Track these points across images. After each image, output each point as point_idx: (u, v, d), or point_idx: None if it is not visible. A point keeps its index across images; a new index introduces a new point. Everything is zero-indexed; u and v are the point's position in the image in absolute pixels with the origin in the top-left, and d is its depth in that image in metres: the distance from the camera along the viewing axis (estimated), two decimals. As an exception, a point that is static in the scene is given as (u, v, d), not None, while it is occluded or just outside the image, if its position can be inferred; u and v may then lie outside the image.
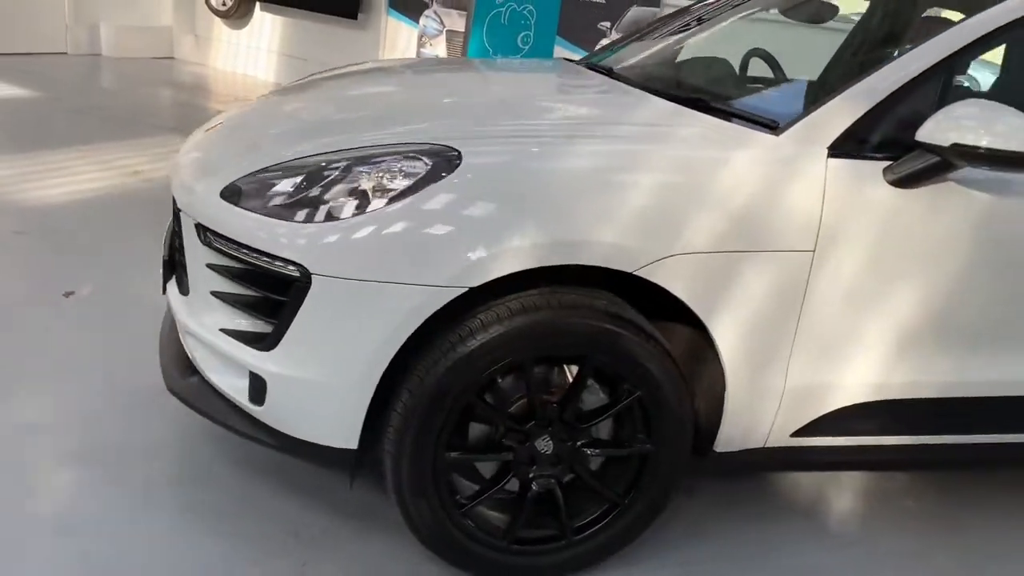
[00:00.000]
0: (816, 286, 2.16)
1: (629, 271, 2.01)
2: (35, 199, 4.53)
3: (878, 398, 2.33)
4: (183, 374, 2.31)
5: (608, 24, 7.30)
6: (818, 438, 2.36)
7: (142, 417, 2.67)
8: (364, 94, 2.85)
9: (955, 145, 2.06)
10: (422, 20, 7.94)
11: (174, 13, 9.58)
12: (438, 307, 1.92)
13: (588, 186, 2.00)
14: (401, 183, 1.97)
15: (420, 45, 7.88)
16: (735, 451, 2.32)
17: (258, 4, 9.07)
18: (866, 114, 2.19)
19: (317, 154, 2.12)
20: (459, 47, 6.78)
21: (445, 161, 1.99)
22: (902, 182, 2.16)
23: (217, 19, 9.32)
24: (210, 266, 2.11)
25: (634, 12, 7.14)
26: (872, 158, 2.19)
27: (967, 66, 2.41)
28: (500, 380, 2.11)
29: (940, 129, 2.08)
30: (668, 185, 2.06)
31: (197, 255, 2.16)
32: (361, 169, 2.02)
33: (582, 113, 2.60)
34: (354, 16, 8.32)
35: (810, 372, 2.25)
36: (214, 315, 2.13)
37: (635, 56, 3.20)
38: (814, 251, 2.13)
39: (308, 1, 8.53)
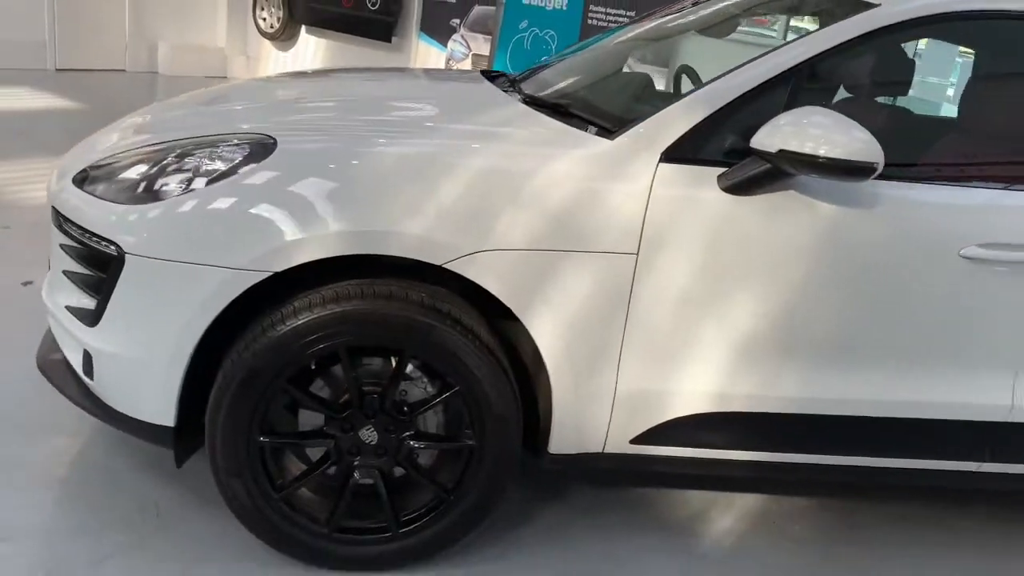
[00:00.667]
0: (642, 290, 2.16)
1: (438, 264, 2.05)
2: (34, 198, 4.80)
3: (721, 409, 2.30)
4: (50, 351, 2.44)
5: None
6: (660, 447, 2.34)
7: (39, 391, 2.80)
8: (258, 95, 2.94)
9: (782, 151, 2.05)
10: (450, 44, 8.14)
11: (227, 35, 10.01)
12: (242, 290, 1.99)
13: (400, 178, 2.05)
14: (217, 167, 2.06)
15: (447, 67, 8.06)
16: (572, 454, 2.31)
17: (304, 28, 9.42)
18: (703, 121, 2.18)
19: (162, 143, 2.23)
20: (484, 70, 6.99)
21: (261, 148, 2.07)
22: (736, 188, 2.15)
23: (266, 41, 9.70)
24: (61, 246, 2.24)
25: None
26: (709, 164, 2.17)
27: (819, 77, 2.36)
28: (330, 369, 2.16)
29: (770, 135, 2.07)
30: (484, 182, 2.09)
31: (53, 237, 2.29)
32: (189, 157, 2.12)
33: (427, 112, 2.64)
34: (388, 40, 8.56)
35: (644, 378, 2.23)
36: (63, 293, 2.25)
37: (563, 72, 3.19)
38: (637, 254, 2.13)
39: (348, 26, 8.82)
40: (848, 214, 2.21)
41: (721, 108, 2.19)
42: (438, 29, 8.27)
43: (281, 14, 9.45)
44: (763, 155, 2.08)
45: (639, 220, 2.11)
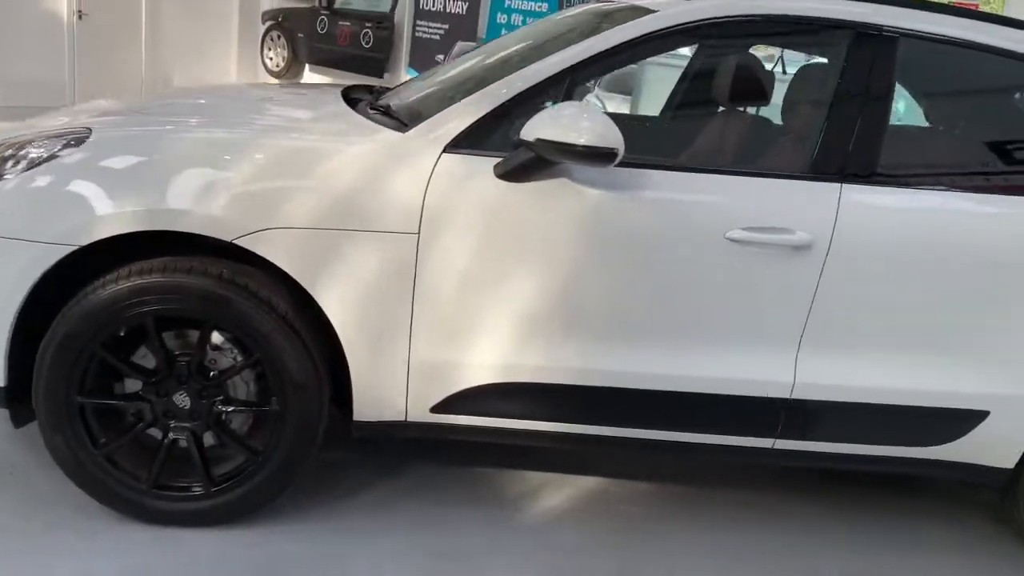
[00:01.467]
0: (426, 267, 2.37)
1: (228, 240, 2.29)
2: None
3: (510, 380, 2.49)
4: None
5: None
6: (460, 416, 2.53)
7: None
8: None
9: (538, 139, 2.26)
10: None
11: (237, 72, 10.53)
12: (52, 262, 2.26)
13: (194, 161, 2.32)
14: (40, 154, 2.34)
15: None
16: (376, 421, 2.51)
17: (307, 66, 9.91)
18: (484, 116, 2.40)
19: (21, 137, 2.51)
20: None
21: (77, 138, 2.35)
22: (508, 175, 2.36)
23: (273, 79, 10.20)
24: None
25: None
26: (488, 155, 2.39)
27: (593, 77, 2.58)
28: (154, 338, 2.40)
29: (531, 126, 2.28)
30: (275, 165, 2.34)
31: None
32: (25, 147, 2.41)
33: (258, 110, 2.91)
34: (381, 75, 8.99)
35: (436, 349, 2.43)
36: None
37: (422, 85, 3.38)
38: (418, 234, 2.35)
39: (345, 63, 9.33)
40: (617, 199, 2.40)
41: (501, 104, 2.41)
42: (425, 64, 8.64)
43: (286, 54, 9.98)
44: (527, 144, 2.29)
45: (419, 203, 2.33)
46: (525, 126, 2.30)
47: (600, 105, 8.10)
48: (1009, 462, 2.66)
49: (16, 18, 8.97)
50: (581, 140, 2.22)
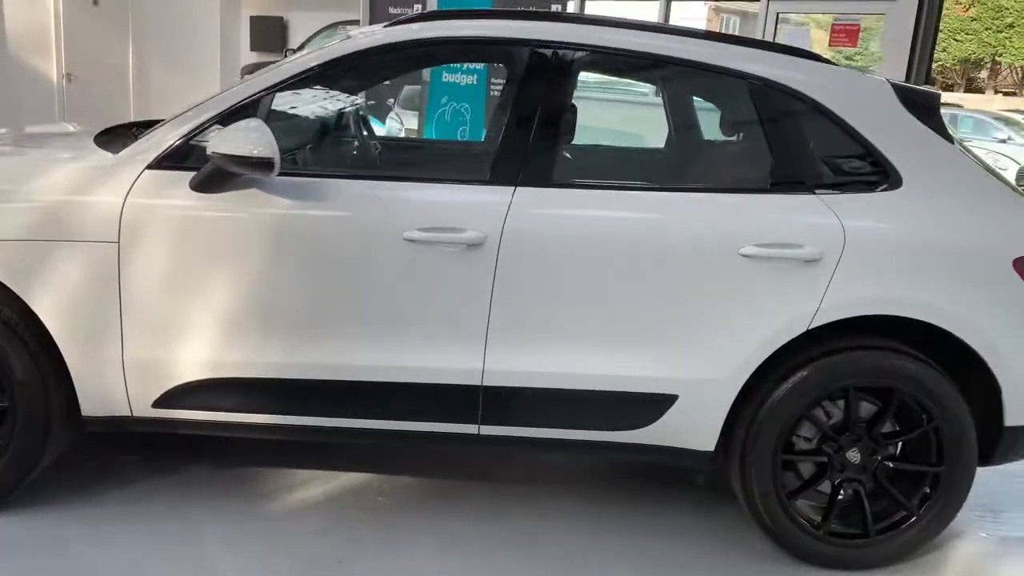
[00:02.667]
0: (129, 273, 2.64)
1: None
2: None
3: (219, 376, 2.72)
4: None
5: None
6: (181, 411, 2.77)
7: None
8: None
9: (214, 152, 2.53)
10: (387, 121, 8.90)
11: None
12: None
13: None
14: None
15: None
16: (103, 416, 2.77)
17: (279, 113, 10.42)
18: (184, 137, 2.68)
19: None
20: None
21: None
22: (200, 187, 2.63)
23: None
24: None
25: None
26: (190, 170, 2.66)
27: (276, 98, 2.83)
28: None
29: (212, 141, 2.55)
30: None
31: None
32: None
33: (25, 143, 3.23)
34: (339, 119, 9.42)
35: (146, 348, 2.69)
36: None
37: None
38: (119, 243, 2.62)
39: (310, 110, 9.76)
40: (305, 206, 2.65)
41: (200, 124, 2.68)
42: (379, 110, 9.06)
43: (260, 102, 10.47)
44: (209, 157, 2.56)
45: (118, 215, 2.61)
46: (210, 142, 2.57)
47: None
48: (708, 444, 2.78)
49: (7, 82, 9.60)
50: (240, 151, 2.48)
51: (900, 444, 2.85)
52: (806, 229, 2.68)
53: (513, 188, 2.69)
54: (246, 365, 2.72)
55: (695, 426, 2.77)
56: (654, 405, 2.75)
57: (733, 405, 2.76)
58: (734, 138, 3.21)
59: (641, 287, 2.69)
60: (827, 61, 2.98)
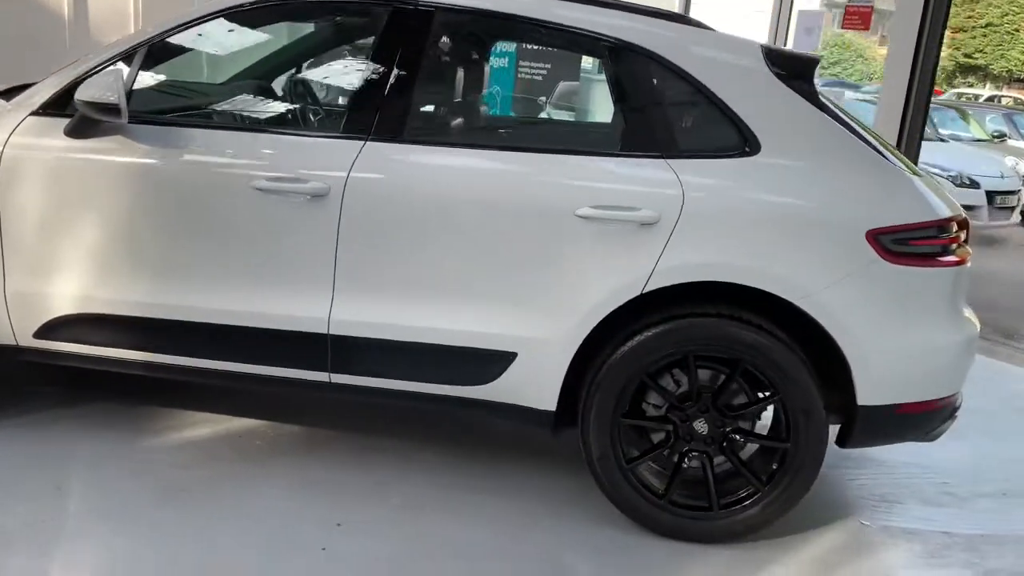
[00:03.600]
0: (8, 211, 2.85)
1: None
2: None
3: (90, 311, 2.91)
4: None
5: (544, 98, 7.94)
6: (60, 343, 2.97)
7: None
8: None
9: (78, 100, 2.71)
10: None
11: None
12: None
13: None
14: None
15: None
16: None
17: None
18: (67, 86, 2.87)
19: None
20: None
21: None
22: (72, 133, 2.82)
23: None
24: None
25: (562, 86, 7.73)
26: (68, 117, 2.85)
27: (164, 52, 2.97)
28: None
29: (80, 89, 2.73)
30: None
31: None
32: None
33: None
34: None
35: (25, 282, 2.90)
36: None
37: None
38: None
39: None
40: (161, 153, 2.80)
41: (82, 73, 2.87)
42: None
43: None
44: (76, 104, 2.74)
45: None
46: (79, 90, 2.75)
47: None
48: (549, 404, 2.80)
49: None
50: (92, 97, 2.65)
51: (751, 418, 2.80)
52: (646, 192, 2.67)
53: (363, 142, 2.77)
54: (112, 302, 2.89)
55: (535, 385, 2.79)
56: (495, 362, 2.78)
57: (578, 367, 2.76)
58: (588, 99, 3.21)
59: (478, 244, 2.73)
60: (701, 25, 2.94)
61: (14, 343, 2.99)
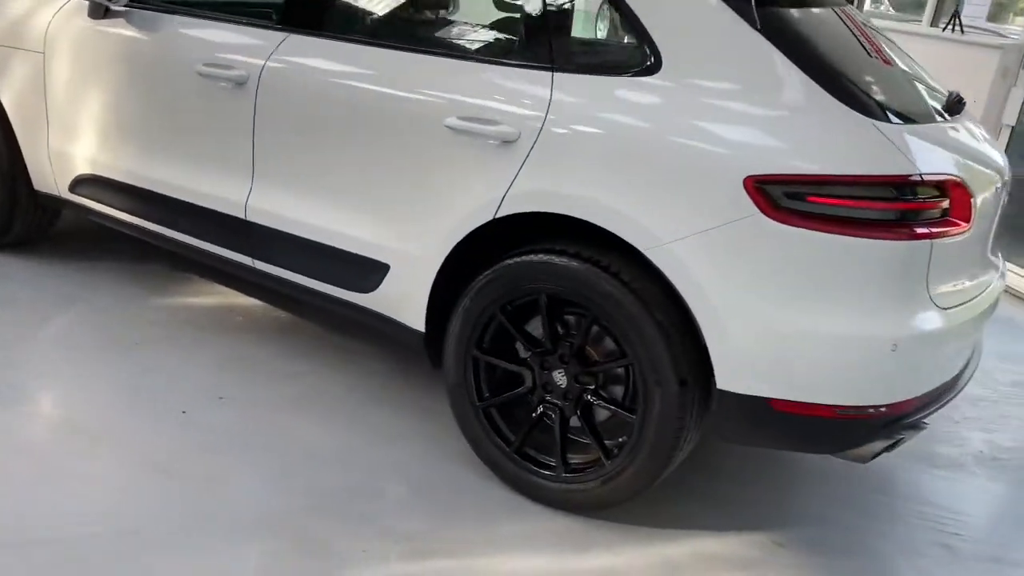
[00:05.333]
0: (50, 78, 3.36)
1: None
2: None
3: (99, 173, 3.34)
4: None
5: None
6: (84, 199, 3.45)
7: None
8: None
9: (86, -13, 3.11)
10: None
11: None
12: None
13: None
14: None
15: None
16: (44, 192, 3.57)
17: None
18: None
19: None
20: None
21: None
22: (90, 15, 3.22)
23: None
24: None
25: None
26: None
27: None
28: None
29: (89, -23, 3.13)
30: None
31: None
32: None
33: None
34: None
35: (60, 141, 3.41)
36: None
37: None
38: (44, 53, 3.34)
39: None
40: (140, 35, 3.11)
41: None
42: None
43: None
44: (88, -10, 3.14)
45: (44, 31, 3.33)
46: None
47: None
48: (419, 324, 2.68)
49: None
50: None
51: (601, 378, 2.46)
52: (509, 107, 2.41)
53: (286, 35, 2.82)
54: (105, 166, 3.29)
55: (408, 301, 2.69)
56: (373, 271, 2.73)
57: (452, 289, 2.62)
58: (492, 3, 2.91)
59: (355, 146, 2.67)
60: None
61: (57, 193, 3.52)
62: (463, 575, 2.25)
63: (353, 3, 2.98)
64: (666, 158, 2.22)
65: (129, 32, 3.12)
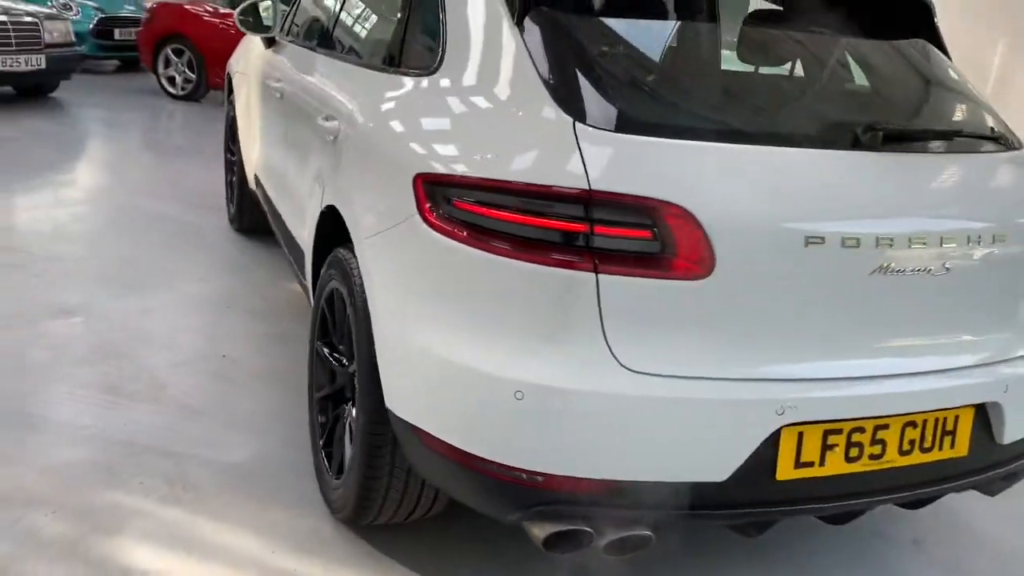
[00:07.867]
0: (252, 92, 4.26)
1: None
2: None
3: (255, 172, 4.13)
4: None
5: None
6: (257, 192, 4.28)
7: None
8: None
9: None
10: None
11: None
12: None
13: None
14: None
15: None
16: (251, 189, 4.48)
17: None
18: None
19: None
20: None
21: None
22: (266, 46, 4.03)
23: None
24: None
25: None
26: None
27: None
28: None
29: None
30: None
31: None
32: None
33: None
34: None
35: (249, 147, 4.29)
36: None
37: None
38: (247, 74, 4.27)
39: None
40: (279, 64, 3.76)
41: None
42: None
43: None
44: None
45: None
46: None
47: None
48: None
49: None
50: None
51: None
52: (337, 106, 2.61)
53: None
54: (258, 168, 4.04)
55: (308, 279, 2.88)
56: (298, 245, 3.06)
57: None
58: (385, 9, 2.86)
59: (288, 127, 3.18)
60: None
61: (252, 188, 4.37)
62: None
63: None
64: (378, 157, 2.17)
65: (275, 58, 3.80)
